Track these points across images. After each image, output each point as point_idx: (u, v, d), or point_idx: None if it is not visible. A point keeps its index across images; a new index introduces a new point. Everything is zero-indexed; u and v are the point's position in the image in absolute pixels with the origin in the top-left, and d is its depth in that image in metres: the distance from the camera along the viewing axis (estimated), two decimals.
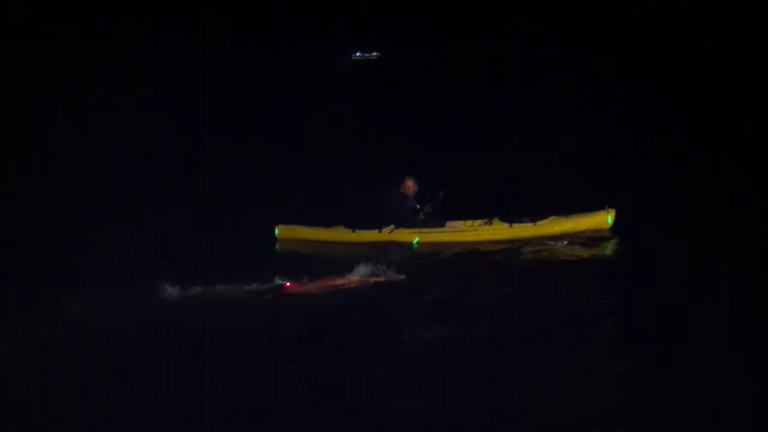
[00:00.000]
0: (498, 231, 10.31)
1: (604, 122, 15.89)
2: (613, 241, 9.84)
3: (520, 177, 12.75)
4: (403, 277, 8.48)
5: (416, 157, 13.80)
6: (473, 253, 9.82)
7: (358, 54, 22.51)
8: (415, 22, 24.50)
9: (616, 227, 10.08)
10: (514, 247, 9.86)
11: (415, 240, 10.41)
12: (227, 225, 10.85)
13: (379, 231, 10.69)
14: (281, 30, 25.07)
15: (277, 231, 11.35)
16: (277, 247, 11.09)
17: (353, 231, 10.89)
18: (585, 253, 9.50)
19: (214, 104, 13.61)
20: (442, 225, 10.51)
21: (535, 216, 10.28)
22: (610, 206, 10.15)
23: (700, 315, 6.73)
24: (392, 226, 10.63)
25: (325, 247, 10.79)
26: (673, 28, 21.37)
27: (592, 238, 9.97)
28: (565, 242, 9.89)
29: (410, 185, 10.71)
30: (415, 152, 14.55)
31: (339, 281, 8.51)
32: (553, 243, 9.92)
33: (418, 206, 10.63)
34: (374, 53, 22.31)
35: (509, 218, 10.36)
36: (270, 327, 7.26)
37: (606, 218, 10.13)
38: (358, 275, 8.53)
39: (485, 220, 10.47)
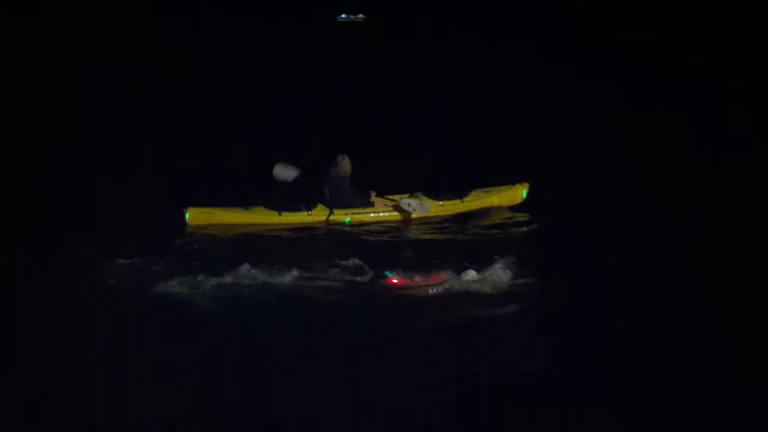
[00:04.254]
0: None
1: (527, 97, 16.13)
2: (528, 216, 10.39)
3: (438, 149, 12.84)
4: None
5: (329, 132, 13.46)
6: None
7: (343, 16, 21.79)
8: None
9: (528, 200, 10.62)
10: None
11: (347, 220, 10.17)
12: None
13: (309, 213, 10.19)
14: None
15: (187, 216, 9.93)
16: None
17: (279, 213, 10.12)
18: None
19: None
20: (372, 204, 10.35)
21: (458, 191, 10.53)
22: (525, 181, 10.67)
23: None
24: (323, 208, 10.15)
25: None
26: None
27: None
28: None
29: (347, 165, 10.20)
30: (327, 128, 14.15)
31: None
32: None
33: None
34: (360, 15, 21.61)
35: (435, 194, 10.45)
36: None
37: (521, 192, 10.66)
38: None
39: (409, 196, 10.42)
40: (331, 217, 10.19)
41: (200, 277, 7.68)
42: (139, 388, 5.63)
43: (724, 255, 8.01)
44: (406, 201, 10.13)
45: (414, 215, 10.22)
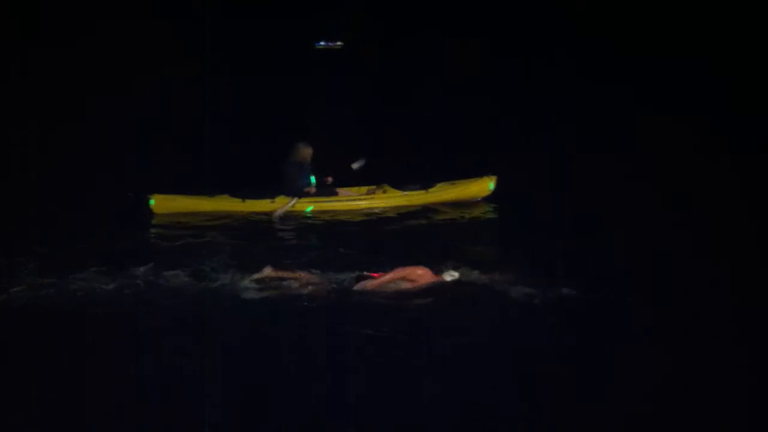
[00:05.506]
0: (392, 198, 10.31)
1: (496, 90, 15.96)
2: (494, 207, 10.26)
3: (404, 143, 12.71)
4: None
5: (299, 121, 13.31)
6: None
7: (322, 43, 21.82)
8: None
9: (497, 193, 10.42)
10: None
11: (309, 209, 10.06)
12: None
13: (272, 201, 10.09)
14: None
15: (152, 202, 10.00)
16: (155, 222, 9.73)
17: (243, 201, 10.08)
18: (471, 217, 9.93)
19: None
20: (335, 194, 10.26)
21: (424, 183, 10.40)
22: (492, 173, 10.47)
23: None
24: (285, 196, 10.06)
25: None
26: None
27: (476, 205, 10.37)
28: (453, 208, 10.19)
29: (307, 153, 10.21)
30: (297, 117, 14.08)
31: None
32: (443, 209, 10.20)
33: (313, 179, 10.21)
34: (338, 42, 21.62)
35: (400, 185, 10.37)
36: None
37: (489, 185, 10.45)
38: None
39: (376, 187, 10.42)
40: (294, 206, 10.06)
41: (173, 280, 7.32)
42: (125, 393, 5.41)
43: (725, 256, 7.80)
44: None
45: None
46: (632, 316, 6.60)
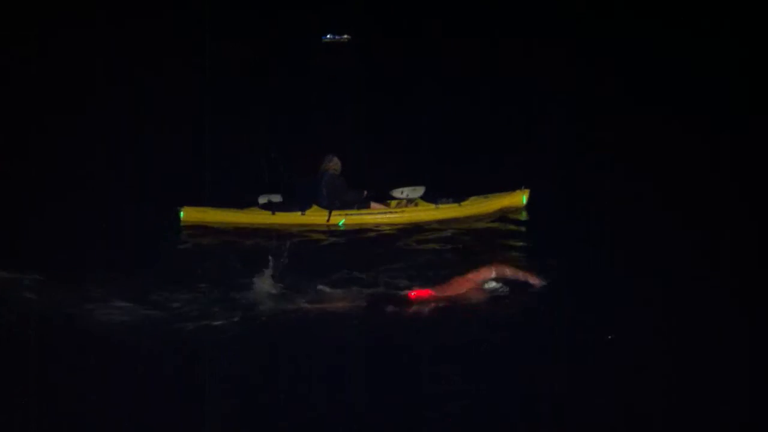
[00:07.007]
0: (425, 212, 10.19)
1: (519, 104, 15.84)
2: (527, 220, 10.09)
3: (437, 157, 12.52)
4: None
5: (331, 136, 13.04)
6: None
7: (328, 36, 21.62)
8: None
9: (530, 206, 10.27)
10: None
11: (341, 221, 9.96)
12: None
13: (302, 213, 9.99)
14: None
15: (182, 214, 9.91)
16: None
17: (273, 213, 9.97)
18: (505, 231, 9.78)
19: None
20: (368, 206, 10.15)
21: (456, 196, 10.26)
22: (525, 187, 10.36)
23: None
24: (317, 209, 9.97)
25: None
26: None
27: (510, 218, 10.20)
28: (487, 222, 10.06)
29: (337, 164, 10.11)
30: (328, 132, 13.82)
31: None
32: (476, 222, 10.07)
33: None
34: (345, 36, 21.43)
35: (433, 199, 10.24)
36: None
37: (522, 198, 10.36)
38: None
39: (407, 201, 10.29)
40: (325, 219, 9.99)
41: (203, 296, 7.14)
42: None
43: (725, 257, 7.79)
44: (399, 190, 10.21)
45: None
46: (632, 315, 6.61)
